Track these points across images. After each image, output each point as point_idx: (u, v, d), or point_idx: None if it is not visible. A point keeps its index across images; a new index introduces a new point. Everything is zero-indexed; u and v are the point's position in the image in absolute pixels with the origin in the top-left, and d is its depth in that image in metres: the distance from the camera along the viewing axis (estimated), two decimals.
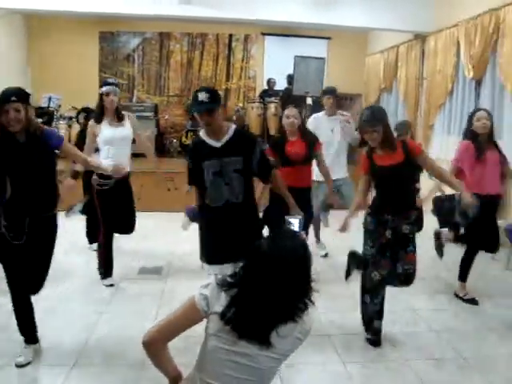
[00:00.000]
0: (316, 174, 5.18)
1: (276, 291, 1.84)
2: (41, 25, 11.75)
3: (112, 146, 4.73)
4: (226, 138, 3.34)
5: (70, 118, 9.90)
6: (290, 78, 10.17)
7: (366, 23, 9.07)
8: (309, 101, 9.31)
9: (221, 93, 12.21)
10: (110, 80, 5.00)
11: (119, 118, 4.80)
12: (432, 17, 8.72)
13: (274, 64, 12.05)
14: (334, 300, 4.08)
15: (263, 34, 12.43)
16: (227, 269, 3.11)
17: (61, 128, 9.84)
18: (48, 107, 10.07)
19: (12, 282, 3.38)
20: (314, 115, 6.20)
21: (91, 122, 4.81)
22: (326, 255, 6.10)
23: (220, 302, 1.92)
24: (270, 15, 8.89)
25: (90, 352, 3.66)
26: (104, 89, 4.73)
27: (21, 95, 3.22)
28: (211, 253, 3.45)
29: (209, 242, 3.48)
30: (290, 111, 4.69)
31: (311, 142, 4.74)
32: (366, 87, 11.82)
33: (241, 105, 11.63)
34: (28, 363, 3.44)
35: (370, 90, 11.52)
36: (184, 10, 8.59)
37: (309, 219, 4.61)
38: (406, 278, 3.83)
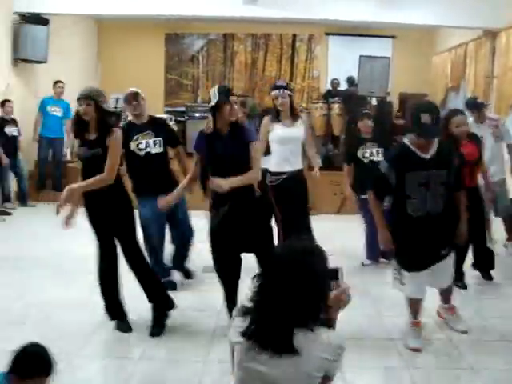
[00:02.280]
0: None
1: (281, 295, 1.79)
2: (110, 28, 12.12)
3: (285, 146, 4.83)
4: (434, 149, 3.40)
5: None
6: (351, 80, 10.04)
7: (433, 21, 8.88)
8: (373, 101, 9.16)
9: None
10: (279, 82, 5.09)
11: (292, 117, 4.85)
12: (503, 12, 8.41)
13: (338, 64, 11.94)
14: (400, 304, 3.97)
15: (327, 34, 12.34)
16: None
17: None
18: (115, 108, 10.32)
19: None
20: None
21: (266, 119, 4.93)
22: None
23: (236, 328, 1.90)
24: (334, 15, 8.84)
25: (153, 347, 3.72)
26: (272, 93, 4.87)
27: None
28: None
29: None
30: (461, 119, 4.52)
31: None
32: (432, 87, 11.54)
33: (304, 105, 11.56)
34: None
35: (437, 89, 11.25)
36: (248, 11, 8.65)
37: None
38: None
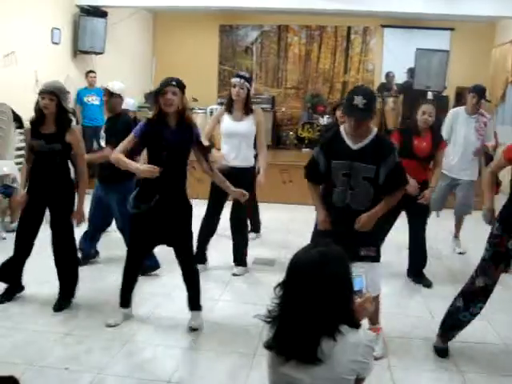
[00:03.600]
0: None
1: (300, 304, 1.77)
2: (165, 20, 12.30)
3: (231, 139, 4.81)
4: (366, 142, 3.22)
5: (192, 109, 10.21)
6: (412, 72, 9.84)
7: (493, 12, 8.58)
8: (429, 95, 8.96)
9: (338, 85, 12.21)
10: (241, 73, 5.02)
11: (244, 111, 4.79)
12: None
13: (394, 57, 11.73)
14: None
15: (382, 26, 12.12)
16: None
17: None
18: None
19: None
20: (454, 109, 5.98)
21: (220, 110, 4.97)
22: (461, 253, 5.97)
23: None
24: (389, 7, 8.68)
25: (203, 337, 3.77)
26: (232, 80, 4.84)
27: (180, 83, 3.55)
28: None
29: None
30: (427, 108, 4.68)
31: (437, 142, 4.79)
32: (491, 81, 11.19)
33: None
34: (116, 325, 3.77)
35: (497, 83, 10.89)
36: (303, 3, 8.63)
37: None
38: None
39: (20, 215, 4.09)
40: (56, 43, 8.55)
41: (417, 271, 5.00)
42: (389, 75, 11.21)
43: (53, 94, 3.80)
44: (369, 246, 3.32)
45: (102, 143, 4.63)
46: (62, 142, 3.86)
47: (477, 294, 3.43)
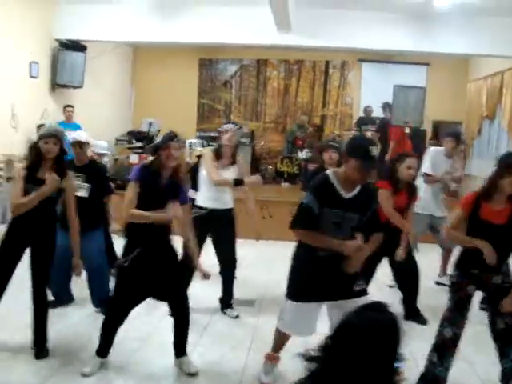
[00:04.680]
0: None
1: (358, 367, 1.71)
2: (145, 53, 12.38)
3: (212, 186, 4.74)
4: (356, 191, 3.20)
5: None
6: (387, 107, 9.95)
7: (467, 50, 8.80)
8: (407, 130, 9.06)
9: (317, 119, 12.30)
10: (233, 121, 5.06)
11: (232, 161, 4.78)
12: None
13: (371, 91, 11.90)
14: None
15: (360, 61, 12.33)
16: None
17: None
18: (148, 132, 10.43)
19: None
20: (435, 149, 6.14)
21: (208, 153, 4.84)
22: None
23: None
24: (367, 43, 8.84)
25: None
26: (225, 126, 4.82)
27: (182, 139, 3.65)
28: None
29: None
30: (412, 162, 4.68)
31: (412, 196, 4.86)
32: (467, 115, 11.40)
33: (337, 132, 11.55)
34: (92, 374, 3.61)
35: (472, 117, 11.09)
36: (283, 39, 8.69)
37: None
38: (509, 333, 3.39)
39: None
40: (34, 77, 8.49)
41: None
42: (367, 109, 11.31)
43: (57, 138, 3.68)
44: (358, 280, 3.30)
45: (79, 193, 4.49)
46: (58, 189, 3.74)
47: (448, 346, 3.42)
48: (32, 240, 3.83)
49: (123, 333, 4.16)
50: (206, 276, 3.88)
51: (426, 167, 5.77)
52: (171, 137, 3.53)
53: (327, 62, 12.48)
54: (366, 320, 1.77)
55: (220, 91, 12.77)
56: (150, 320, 4.58)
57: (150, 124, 10.55)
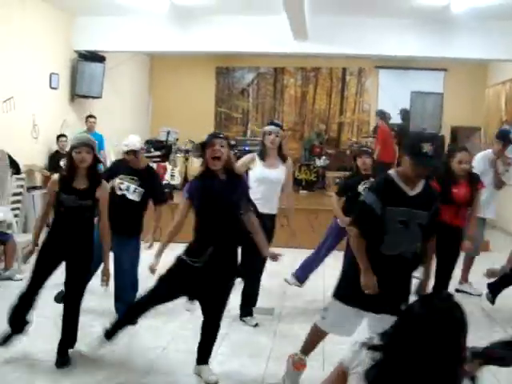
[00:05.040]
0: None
1: (425, 357, 1.71)
2: (162, 62, 12.47)
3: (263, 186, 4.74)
4: (420, 188, 3.18)
5: (187, 152, 10.25)
6: (405, 113, 9.92)
7: (484, 54, 8.72)
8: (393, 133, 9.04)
9: (334, 126, 12.29)
10: (276, 121, 4.98)
11: (277, 159, 4.79)
12: None
13: (389, 97, 11.86)
14: None
15: (377, 67, 12.30)
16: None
17: (178, 161, 10.23)
18: (166, 141, 10.50)
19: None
20: (482, 153, 6.21)
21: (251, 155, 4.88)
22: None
23: (360, 361, 1.85)
24: (384, 50, 8.82)
25: None
26: (266, 128, 4.82)
27: (227, 137, 3.60)
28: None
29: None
30: (463, 157, 4.72)
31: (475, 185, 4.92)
32: (485, 120, 11.30)
33: (354, 139, 11.51)
34: None
35: (491, 122, 10.98)
36: (300, 47, 8.71)
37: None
38: None
39: (34, 267, 3.88)
40: (54, 88, 8.62)
41: None
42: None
43: (89, 147, 3.71)
44: (406, 301, 3.20)
45: (131, 196, 4.56)
46: (93, 198, 3.78)
47: None
48: (68, 251, 3.83)
49: (142, 343, 4.21)
50: (276, 257, 3.88)
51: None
52: (215, 134, 3.56)
53: (344, 69, 12.48)
54: (430, 308, 1.77)
55: (237, 99, 12.83)
56: (170, 330, 4.60)
57: (168, 133, 10.61)
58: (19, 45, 7.65)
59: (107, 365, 3.87)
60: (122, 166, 4.70)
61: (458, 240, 4.86)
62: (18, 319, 3.99)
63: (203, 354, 3.75)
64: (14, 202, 7.21)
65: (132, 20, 8.84)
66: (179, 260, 3.55)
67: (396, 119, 10.67)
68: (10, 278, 6.16)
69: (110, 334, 3.75)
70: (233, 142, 10.88)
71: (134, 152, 4.61)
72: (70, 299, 3.91)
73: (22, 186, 7.44)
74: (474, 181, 4.89)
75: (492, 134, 10.71)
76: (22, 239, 6.77)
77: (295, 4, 6.80)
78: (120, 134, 9.25)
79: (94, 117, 9.29)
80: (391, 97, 11.72)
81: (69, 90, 9.12)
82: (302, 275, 5.53)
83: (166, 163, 9.94)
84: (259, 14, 8.32)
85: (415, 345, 1.73)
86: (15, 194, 7.27)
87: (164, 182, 8.84)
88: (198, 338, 3.78)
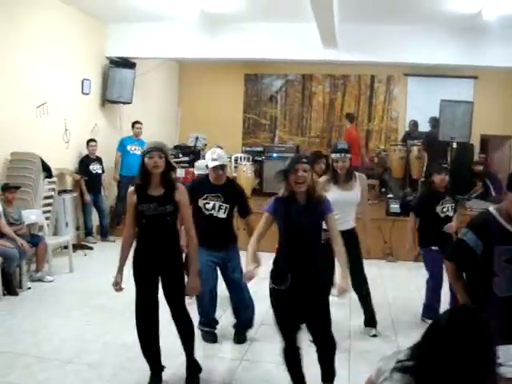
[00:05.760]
0: None
1: (454, 371, 1.72)
2: (191, 69, 12.59)
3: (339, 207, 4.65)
4: None
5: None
6: (434, 121, 9.83)
7: None
8: (454, 145, 8.94)
9: (362, 134, 12.24)
10: (341, 146, 4.82)
11: (348, 180, 4.77)
12: None
13: (417, 105, 11.79)
14: None
15: (406, 75, 12.23)
16: None
17: None
18: (195, 146, 10.59)
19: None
20: None
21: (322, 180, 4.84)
22: None
23: (386, 377, 1.87)
24: (414, 58, 8.76)
25: None
26: (333, 156, 4.77)
27: (308, 160, 3.45)
28: None
29: None
30: None
31: None
32: None
33: (382, 147, 11.44)
34: None
35: None
36: (329, 55, 8.72)
37: None
38: None
39: (136, 292, 3.73)
40: (86, 93, 8.77)
41: None
42: (411, 123, 11.21)
43: (161, 151, 3.59)
44: None
45: (218, 215, 4.53)
46: (173, 202, 3.64)
47: None
48: (161, 264, 3.70)
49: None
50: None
51: None
52: (298, 159, 3.40)
53: (372, 77, 12.43)
54: (456, 322, 1.78)
55: (265, 106, 12.87)
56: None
57: (197, 138, 10.71)
58: (53, 51, 7.83)
59: None
60: (204, 184, 4.57)
61: None
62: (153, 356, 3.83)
63: (327, 375, 3.58)
64: (45, 205, 7.36)
65: (162, 27, 8.97)
66: (270, 289, 3.50)
67: (425, 127, 10.58)
68: (40, 280, 6.30)
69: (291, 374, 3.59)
70: (260, 149, 10.98)
71: (222, 167, 4.49)
72: (180, 316, 3.77)
73: (53, 190, 7.59)
74: None
75: None
76: (53, 241, 6.93)
77: (325, 12, 6.83)
78: (148, 138, 9.39)
79: (140, 123, 9.42)
80: (420, 105, 11.64)
81: (100, 96, 9.28)
82: (431, 313, 5.16)
83: (194, 169, 10.01)
84: (288, 21, 8.37)
85: (443, 360, 1.73)
86: (46, 197, 7.42)
87: None
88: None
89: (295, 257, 3.38)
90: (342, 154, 4.71)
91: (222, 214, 4.47)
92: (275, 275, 3.45)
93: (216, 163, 4.44)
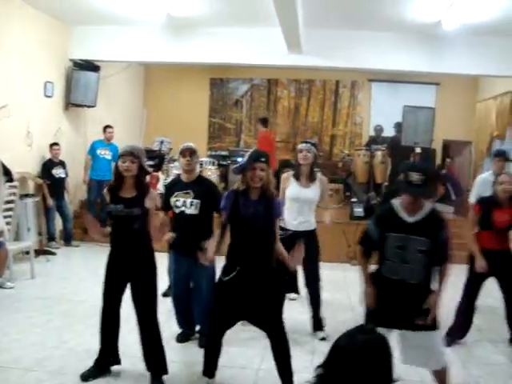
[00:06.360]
0: None
1: None
2: (156, 73, 12.53)
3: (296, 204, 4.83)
4: (420, 215, 3.24)
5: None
6: (399, 127, 9.99)
7: (476, 70, 8.80)
8: (418, 150, 9.09)
9: (326, 139, 12.36)
10: (308, 140, 5.01)
11: (310, 179, 4.85)
12: None
13: (381, 110, 11.96)
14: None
15: (370, 81, 12.40)
16: None
17: (171, 170, 10.23)
18: (159, 150, 10.51)
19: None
20: (482, 176, 6.13)
21: (286, 174, 4.96)
22: None
23: None
24: (377, 64, 8.90)
25: None
26: (299, 146, 4.89)
27: (267, 159, 3.53)
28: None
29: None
30: (506, 178, 4.65)
31: None
32: (476, 134, 11.41)
33: (347, 151, 11.56)
34: None
35: (481, 137, 11.08)
36: (294, 60, 8.78)
37: None
38: None
39: (103, 291, 3.81)
40: (49, 96, 8.64)
41: None
42: (377, 128, 11.36)
43: (134, 156, 3.65)
44: (424, 315, 3.22)
45: (189, 211, 4.41)
46: (142, 206, 3.69)
47: None
48: (129, 271, 3.75)
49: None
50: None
51: (473, 198, 5.69)
52: (257, 157, 3.47)
53: (337, 82, 12.56)
54: (357, 342, 1.81)
55: (231, 110, 12.88)
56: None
57: (162, 142, 10.61)
58: (15, 53, 7.68)
59: None
60: (176, 183, 4.55)
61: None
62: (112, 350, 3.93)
63: (284, 373, 3.61)
64: (6, 210, 7.20)
65: (128, 30, 8.91)
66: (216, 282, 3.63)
67: (391, 132, 10.74)
68: (0, 286, 6.16)
69: (206, 370, 3.70)
70: (226, 153, 10.97)
71: (190, 150, 4.38)
72: (145, 322, 3.81)
73: (14, 194, 7.44)
74: None
75: (483, 148, 10.85)
76: (14, 247, 6.78)
77: (290, 17, 6.88)
78: (113, 142, 9.31)
79: (111, 127, 9.34)
80: (384, 110, 11.81)
81: (63, 99, 9.14)
82: None
83: (159, 173, 9.94)
84: (254, 26, 8.40)
85: (342, 377, 1.77)
86: (7, 202, 7.25)
87: (157, 191, 8.85)
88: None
89: (241, 249, 3.48)
90: (308, 145, 4.82)
91: (193, 210, 4.34)
92: (224, 268, 3.56)
93: (185, 145, 4.42)
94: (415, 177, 3.11)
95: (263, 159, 3.47)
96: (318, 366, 1.87)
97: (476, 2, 6.62)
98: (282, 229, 4.77)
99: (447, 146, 12.07)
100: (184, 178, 4.47)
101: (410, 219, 3.22)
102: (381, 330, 3.06)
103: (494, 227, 4.60)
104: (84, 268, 7.30)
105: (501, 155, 5.97)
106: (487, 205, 4.68)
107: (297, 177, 4.87)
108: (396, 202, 3.31)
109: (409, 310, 3.20)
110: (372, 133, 11.68)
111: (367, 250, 3.44)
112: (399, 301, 3.23)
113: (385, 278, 3.29)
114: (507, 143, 9.95)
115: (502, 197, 4.60)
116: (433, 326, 3.25)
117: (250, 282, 3.46)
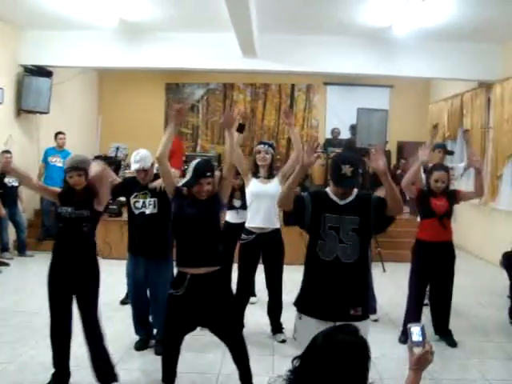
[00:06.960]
0: None
1: None
2: (111, 78, 12.36)
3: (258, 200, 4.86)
4: (350, 199, 3.25)
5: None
6: (353, 129, 10.13)
7: (427, 73, 9.06)
8: (372, 151, 9.20)
9: (283, 142, 12.44)
10: (265, 140, 5.15)
11: (270, 176, 4.92)
12: (498, 65, 8.62)
13: (337, 113, 12.12)
14: None
15: (325, 84, 12.55)
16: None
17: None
18: (115, 157, 10.38)
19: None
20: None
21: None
22: None
23: None
24: (332, 67, 9.02)
25: None
26: (257, 147, 4.99)
27: (213, 171, 3.59)
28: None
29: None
30: (439, 176, 4.83)
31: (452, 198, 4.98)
32: (429, 135, 11.63)
33: None
34: None
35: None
36: (249, 64, 8.81)
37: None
38: None
39: (49, 303, 3.77)
40: None
41: (443, 328, 4.99)
42: (334, 131, 11.49)
43: (79, 170, 3.68)
44: (356, 306, 3.21)
45: (149, 211, 4.49)
46: (91, 209, 3.73)
47: None
48: (74, 281, 3.72)
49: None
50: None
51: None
52: (204, 173, 3.47)
53: (293, 86, 12.68)
54: (335, 342, 1.80)
55: (187, 115, 12.79)
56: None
57: (117, 148, 10.48)
58: None
59: None
60: (134, 182, 4.57)
61: (451, 255, 4.95)
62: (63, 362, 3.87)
63: (244, 379, 3.63)
64: None
65: (80, 35, 8.75)
66: (168, 296, 3.57)
67: (347, 135, 10.87)
68: None
69: (165, 378, 3.64)
70: (183, 158, 10.89)
71: (144, 170, 4.47)
72: (91, 331, 3.81)
73: None
74: (451, 197, 4.93)
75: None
76: None
77: (243, 22, 6.91)
78: (69, 149, 9.15)
79: (63, 133, 9.17)
80: (339, 112, 11.98)
81: (14, 105, 8.94)
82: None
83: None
84: (208, 31, 8.39)
85: (319, 377, 1.76)
86: None
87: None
88: None
89: (188, 251, 3.48)
90: (266, 146, 4.91)
91: (152, 209, 4.42)
92: (174, 280, 3.56)
93: (137, 166, 4.44)
94: (347, 169, 3.13)
95: (209, 174, 3.49)
96: (295, 358, 1.87)
97: (426, 8, 6.78)
98: (246, 232, 4.83)
99: (401, 148, 12.30)
100: (141, 180, 4.54)
101: (341, 202, 3.24)
102: (310, 321, 3.16)
103: (435, 214, 4.81)
104: (38, 278, 7.04)
105: (440, 147, 6.17)
106: (425, 194, 4.91)
107: (255, 175, 4.92)
108: (329, 190, 3.32)
109: (344, 299, 3.17)
110: (329, 135, 11.80)
111: (296, 214, 3.32)
112: (335, 283, 3.18)
113: (320, 260, 3.24)
114: (458, 143, 10.24)
115: (435, 190, 4.84)
116: (365, 315, 3.26)
117: (201, 291, 3.44)
